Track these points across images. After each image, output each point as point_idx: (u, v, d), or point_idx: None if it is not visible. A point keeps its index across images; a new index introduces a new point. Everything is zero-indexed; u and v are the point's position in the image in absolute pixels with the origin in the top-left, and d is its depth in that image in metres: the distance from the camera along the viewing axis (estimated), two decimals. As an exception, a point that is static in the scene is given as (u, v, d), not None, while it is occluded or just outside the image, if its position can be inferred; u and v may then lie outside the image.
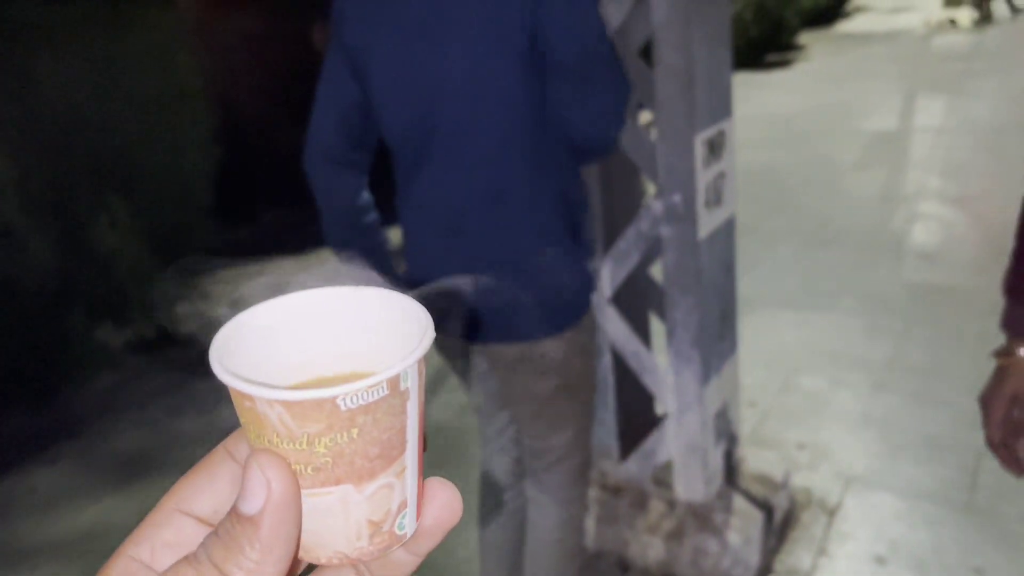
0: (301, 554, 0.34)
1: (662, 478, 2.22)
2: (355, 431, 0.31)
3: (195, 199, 3.63)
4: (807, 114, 7.61)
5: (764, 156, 6.17)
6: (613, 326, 2.10)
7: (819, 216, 4.91)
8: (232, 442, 0.35)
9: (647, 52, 1.87)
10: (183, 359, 3.63)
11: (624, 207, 2.10)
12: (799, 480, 2.49)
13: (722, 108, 1.95)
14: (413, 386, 0.33)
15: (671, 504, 2.18)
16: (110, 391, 3.65)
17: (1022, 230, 1.13)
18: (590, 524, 2.23)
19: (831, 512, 2.35)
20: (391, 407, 0.32)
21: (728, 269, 2.11)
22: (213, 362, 0.32)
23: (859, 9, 15.07)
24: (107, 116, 3.32)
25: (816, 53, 11.12)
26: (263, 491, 0.30)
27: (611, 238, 2.06)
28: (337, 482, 0.32)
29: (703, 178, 1.89)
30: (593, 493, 2.25)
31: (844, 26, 13.54)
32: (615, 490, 2.25)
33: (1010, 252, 1.16)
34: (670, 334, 2.01)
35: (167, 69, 3.71)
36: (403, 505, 0.34)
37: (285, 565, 0.31)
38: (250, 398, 0.31)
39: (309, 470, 0.32)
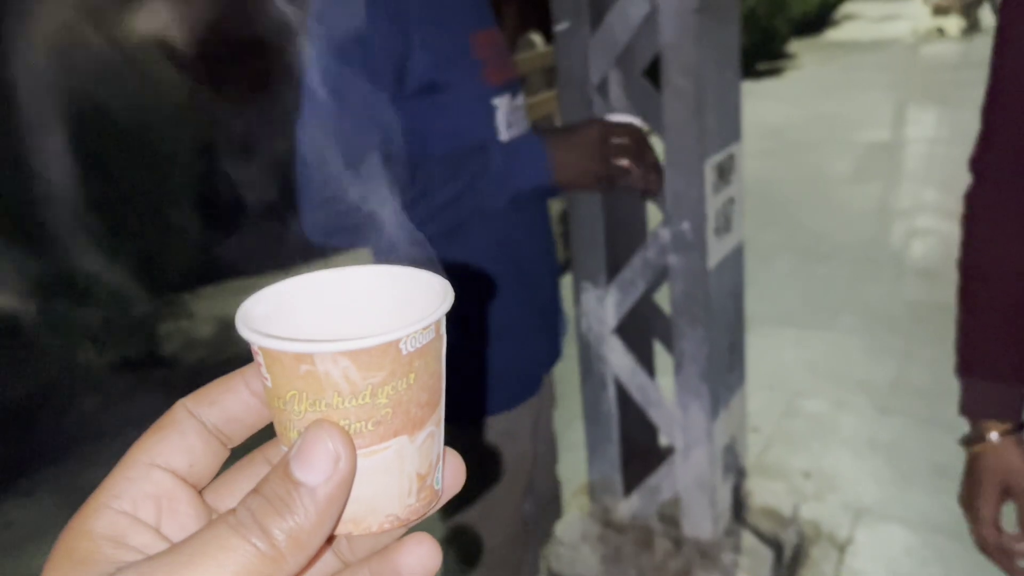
0: (350, 528, 0.33)
1: (668, 514, 2.13)
2: (412, 376, 0.32)
3: (176, 216, 3.53)
4: (800, 124, 7.57)
5: (758, 167, 6.11)
6: (617, 357, 2.01)
7: (815, 230, 4.85)
8: (192, 402, 0.35)
9: (654, 73, 1.79)
10: (169, 379, 3.52)
11: (629, 235, 2.01)
12: (807, 512, 2.41)
13: (732, 131, 1.87)
14: (443, 332, 0.34)
15: (677, 542, 2.08)
16: (92, 415, 3.53)
17: (964, 298, 1.01)
18: (593, 562, 2.14)
19: (841, 547, 2.27)
20: (436, 351, 0.33)
21: (737, 298, 2.02)
22: (251, 333, 0.32)
23: (847, 17, 15.09)
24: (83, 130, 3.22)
25: (806, 62, 11.10)
26: (329, 463, 0.30)
27: (615, 267, 1.98)
28: (395, 434, 0.32)
29: (713, 204, 1.80)
30: (596, 530, 2.16)
31: (833, 34, 13.55)
32: (619, 527, 2.15)
33: (955, 324, 1.02)
34: (678, 366, 1.93)
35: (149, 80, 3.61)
36: (439, 457, 0.35)
37: (326, 537, 0.31)
38: (309, 359, 0.31)
39: (369, 426, 0.32)
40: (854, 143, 6.70)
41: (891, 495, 2.47)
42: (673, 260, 1.84)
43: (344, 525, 0.33)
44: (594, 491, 2.18)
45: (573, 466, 2.35)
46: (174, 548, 0.29)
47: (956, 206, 1.11)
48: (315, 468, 0.30)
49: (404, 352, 0.31)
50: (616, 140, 1.32)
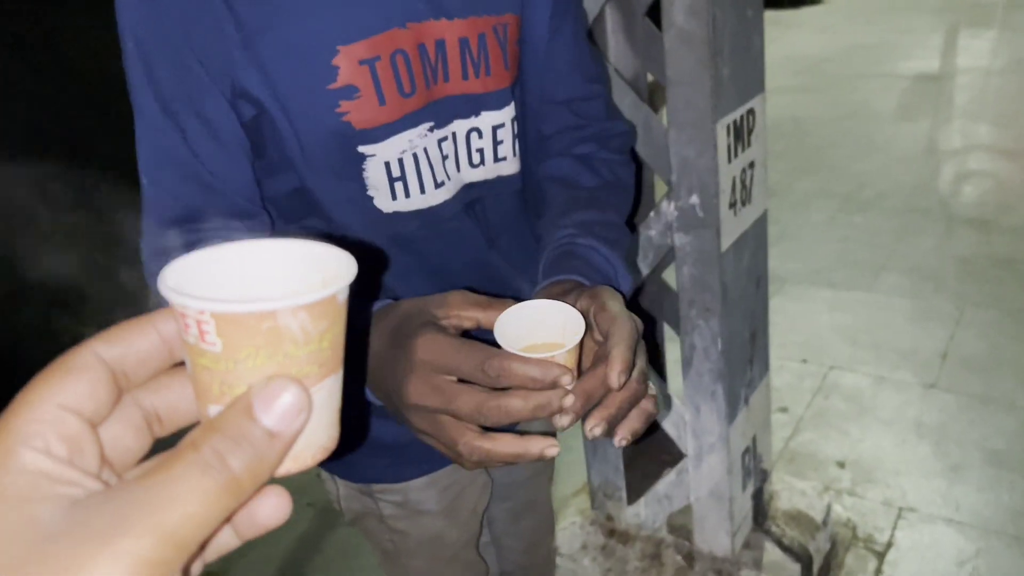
0: (290, 466, 0.37)
1: (679, 524, 1.87)
2: (341, 322, 0.38)
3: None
4: (839, 56, 7.06)
5: (792, 106, 5.68)
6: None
7: (856, 176, 4.46)
8: (102, 345, 0.35)
9: (656, 13, 1.46)
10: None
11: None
12: (841, 509, 2.13)
13: (752, 82, 1.54)
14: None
15: (689, 558, 1.83)
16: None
17: None
18: (595, 574, 1.89)
19: (880, 554, 1.99)
20: (348, 303, 0.39)
21: (759, 280, 1.72)
22: (204, 302, 0.34)
23: (893, -63, 14.21)
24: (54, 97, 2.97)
25: (848, -13, 10.44)
26: (295, 414, 0.34)
27: (614, 246, 1.68)
28: (330, 372, 0.38)
29: (727, 173, 1.49)
30: (598, 539, 1.91)
31: (878, -44, 12.75)
32: (623, 537, 1.90)
33: None
34: (687, 364, 1.64)
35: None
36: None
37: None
38: (272, 316, 0.35)
39: (316, 368, 0.37)
40: (899, 76, 6.20)
41: (939, 489, 2.18)
42: (680, 240, 1.54)
43: (285, 465, 0.36)
44: (595, 496, 1.92)
45: (571, 466, 2.08)
46: (141, 484, 0.30)
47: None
48: (283, 418, 0.34)
49: (340, 301, 0.38)
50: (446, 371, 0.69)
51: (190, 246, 0.83)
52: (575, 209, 0.93)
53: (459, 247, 0.96)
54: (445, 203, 0.91)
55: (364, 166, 0.85)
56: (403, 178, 0.88)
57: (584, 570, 1.91)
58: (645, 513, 1.87)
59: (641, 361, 0.69)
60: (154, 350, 0.37)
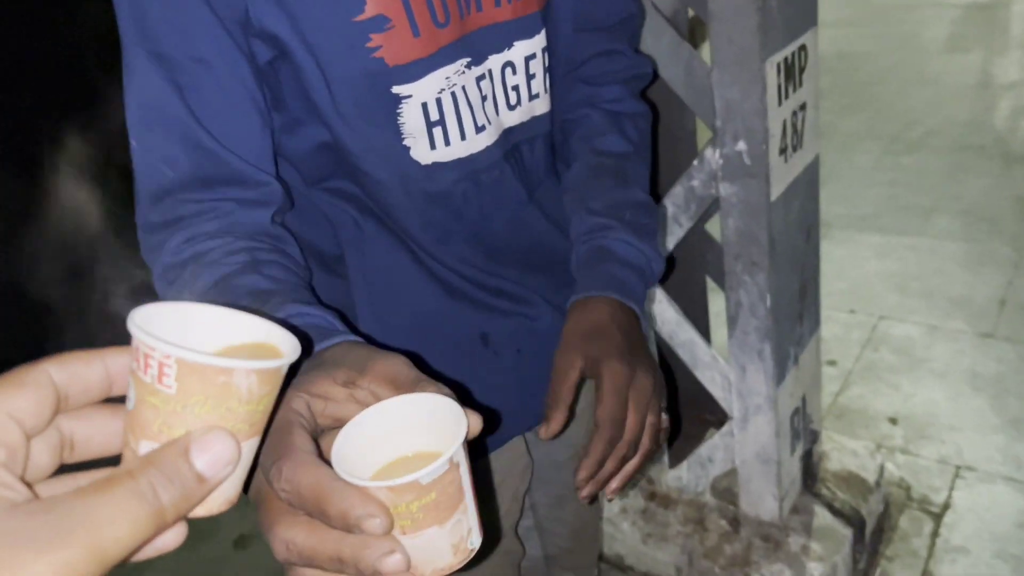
0: (200, 510, 0.39)
1: (724, 487, 1.78)
2: (276, 392, 0.42)
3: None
4: (886, -14, 6.73)
5: (836, 40, 5.43)
6: (659, 309, 1.62)
7: (904, 113, 4.24)
8: (55, 367, 0.37)
9: (697, -60, 1.33)
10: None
11: (671, 159, 1.59)
12: (894, 469, 2.03)
13: (804, 16, 1.41)
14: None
15: (735, 522, 1.75)
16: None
17: None
18: (635, 540, 1.82)
19: (937, 516, 1.90)
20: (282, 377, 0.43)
21: (810, 230, 1.60)
22: (176, 348, 0.37)
23: None
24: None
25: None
26: (228, 466, 0.37)
27: (653, 199, 1.57)
28: (256, 434, 0.42)
29: (777, 117, 1.37)
30: (638, 503, 1.84)
31: None
32: (664, 501, 1.82)
33: None
34: (732, 322, 1.54)
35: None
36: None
37: None
38: (230, 372, 0.38)
39: (247, 426, 0.40)
40: (950, 5, 5.89)
41: (998, 446, 2.07)
42: (725, 190, 1.42)
43: (198, 508, 0.38)
44: (635, 459, 1.84)
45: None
46: (80, 501, 0.32)
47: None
48: (214, 466, 0.37)
49: (282, 374, 0.42)
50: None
51: (184, 220, 0.72)
52: (604, 186, 0.92)
53: (499, 202, 0.87)
54: (486, 150, 0.83)
55: (400, 110, 0.76)
56: (442, 122, 0.78)
57: (623, 534, 1.84)
58: (687, 477, 1.78)
59: (640, 411, 0.77)
60: (98, 382, 0.39)
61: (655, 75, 1.13)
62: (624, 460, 0.77)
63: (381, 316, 0.87)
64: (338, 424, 0.49)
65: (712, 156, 1.41)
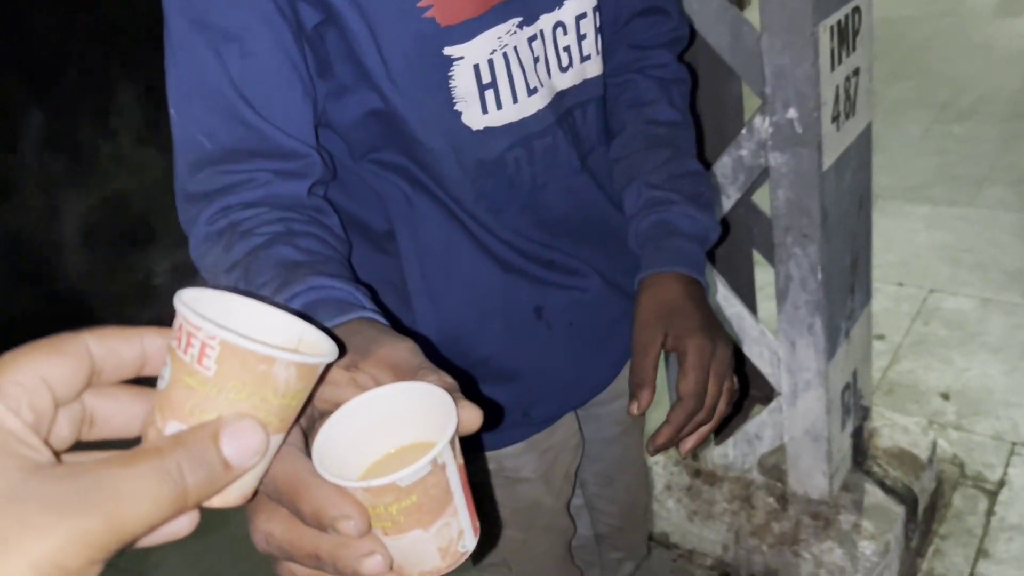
0: (217, 500, 0.38)
1: (771, 464, 1.75)
2: (310, 390, 0.41)
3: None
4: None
5: (883, 4, 5.27)
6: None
7: (954, 80, 4.11)
8: (94, 340, 0.36)
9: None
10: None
11: (716, 128, 1.55)
12: (946, 445, 1.98)
13: (858, -25, 1.35)
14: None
15: (783, 500, 1.71)
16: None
17: None
18: (680, 518, 1.80)
19: (991, 494, 1.85)
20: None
21: (863, 200, 1.55)
22: (224, 331, 0.37)
23: None
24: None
25: None
26: (256, 457, 0.37)
27: (698, 168, 1.53)
28: (283, 430, 0.41)
29: (830, 83, 1.32)
30: (683, 480, 1.81)
31: None
32: (710, 478, 1.79)
33: None
34: (782, 296, 1.50)
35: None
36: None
37: None
38: (271, 361, 0.38)
39: (277, 420, 0.39)
40: (1001, -33, 5.70)
41: (1055, 421, 2.01)
42: (775, 160, 1.38)
43: (217, 497, 0.38)
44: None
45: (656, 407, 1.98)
46: (105, 471, 0.31)
47: None
48: (243, 455, 0.36)
49: (318, 372, 0.41)
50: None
51: (221, 191, 0.70)
52: (659, 157, 0.91)
53: (552, 170, 0.85)
54: (539, 113, 0.81)
55: (451, 72, 0.74)
56: (494, 84, 0.76)
57: (669, 512, 1.82)
58: (733, 453, 1.75)
59: (720, 380, 0.80)
60: (132, 360, 0.39)
61: (692, 37, 1.11)
62: (700, 424, 0.80)
63: (433, 293, 0.85)
64: (336, 409, 0.46)
65: (761, 124, 1.37)
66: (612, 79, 0.95)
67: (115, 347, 0.38)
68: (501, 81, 0.76)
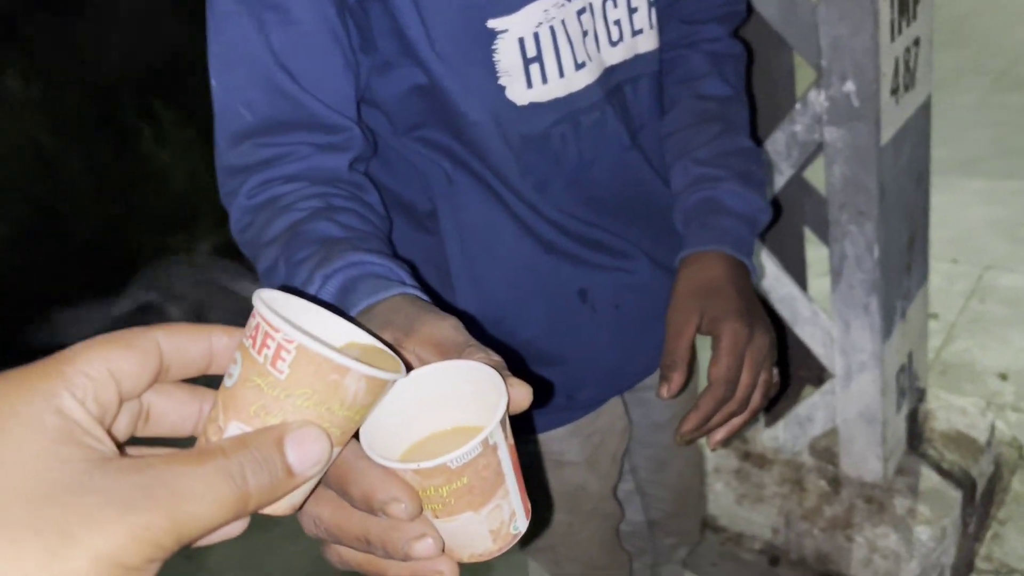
0: (270, 508, 0.37)
1: (823, 447, 1.71)
2: (373, 406, 0.41)
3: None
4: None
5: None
6: (756, 262, 1.54)
7: (1010, 48, 3.97)
8: (163, 335, 0.36)
9: None
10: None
11: (768, 103, 1.50)
12: (1004, 427, 1.92)
13: (920, -60, 1.29)
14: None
15: (835, 483, 1.68)
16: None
17: None
18: (728, 499, 1.77)
19: (1052, 477, 1.79)
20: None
21: (920, 177, 1.50)
22: (304, 336, 0.36)
23: None
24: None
25: None
26: (318, 466, 0.36)
27: (750, 144, 1.48)
28: (341, 443, 0.39)
29: (889, 54, 1.27)
30: (731, 463, 1.78)
31: None
32: (759, 461, 1.76)
33: None
34: (836, 275, 1.45)
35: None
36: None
37: None
38: (345, 371, 0.37)
39: (339, 433, 0.38)
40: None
41: (1119, 402, 1.94)
42: (831, 135, 1.33)
43: (281, 508, 0.38)
44: (729, 417, 1.78)
45: (700, 386, 1.95)
46: (169, 469, 0.31)
47: None
48: (306, 463, 0.36)
49: (387, 388, 0.40)
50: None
51: (261, 165, 0.67)
52: (709, 133, 0.87)
53: (600, 146, 0.82)
54: (586, 89, 0.78)
55: (495, 46, 0.71)
56: (539, 58, 0.73)
57: (717, 495, 1.79)
58: (784, 436, 1.72)
59: (755, 370, 0.75)
60: (199, 359, 0.38)
61: (750, 12, 1.06)
62: (732, 415, 0.75)
63: (475, 273, 0.84)
64: None
65: (816, 98, 1.32)
66: (664, 55, 0.92)
67: (184, 344, 0.37)
68: (547, 55, 0.74)
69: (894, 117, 1.32)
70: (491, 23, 0.70)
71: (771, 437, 1.74)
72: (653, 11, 0.81)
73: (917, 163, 1.47)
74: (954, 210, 2.80)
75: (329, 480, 0.41)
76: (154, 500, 0.30)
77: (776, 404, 1.76)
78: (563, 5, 0.73)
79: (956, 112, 3.48)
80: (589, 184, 0.83)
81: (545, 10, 0.72)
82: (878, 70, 1.24)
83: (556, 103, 0.77)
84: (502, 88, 0.74)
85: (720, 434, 0.76)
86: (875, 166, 1.32)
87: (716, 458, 1.80)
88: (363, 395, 0.38)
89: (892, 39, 1.26)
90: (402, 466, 0.38)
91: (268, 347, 0.36)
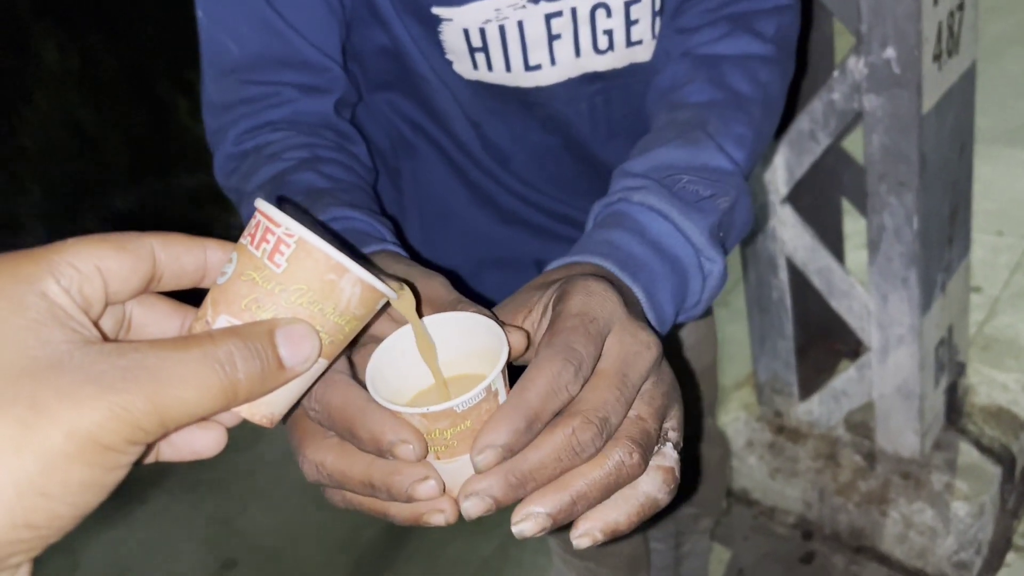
0: (246, 410, 0.37)
1: (858, 421, 1.69)
2: (365, 322, 0.41)
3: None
4: None
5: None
6: (792, 233, 1.52)
7: (1062, 12, 3.84)
8: (159, 243, 0.36)
9: None
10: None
11: (806, 71, 1.46)
12: (1047, 403, 1.88)
13: (967, -101, 1.25)
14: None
15: (870, 458, 1.66)
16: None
17: None
18: (762, 475, 1.76)
19: (1096, 455, 1.75)
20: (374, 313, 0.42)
21: (963, 147, 1.46)
22: (299, 227, 0.36)
23: None
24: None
25: None
26: (308, 362, 0.36)
27: (787, 114, 1.45)
28: (329, 355, 0.40)
29: (932, 18, 1.23)
30: (766, 436, 1.77)
31: None
32: (793, 435, 1.74)
33: None
34: (874, 247, 1.42)
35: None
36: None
37: None
38: (342, 271, 0.37)
39: (327, 340, 0.38)
40: None
41: None
42: (870, 103, 1.30)
43: (246, 407, 0.37)
44: (762, 391, 1.76)
45: (732, 356, 1.93)
46: (153, 352, 0.31)
47: None
48: (297, 359, 0.35)
49: (378, 306, 0.40)
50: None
51: (246, 105, 0.67)
52: (658, 142, 0.63)
53: (562, 138, 0.79)
54: (548, 88, 0.73)
55: (440, 29, 0.70)
56: (485, 50, 0.70)
57: (749, 469, 1.78)
58: (819, 410, 1.70)
59: (647, 421, 0.41)
60: (193, 270, 0.38)
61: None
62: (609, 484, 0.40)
63: (431, 238, 0.85)
64: (372, 340, 0.45)
65: (855, 65, 1.29)
66: (656, 74, 0.77)
67: (179, 253, 0.37)
68: (494, 50, 0.70)
69: (936, 84, 1.28)
70: (435, 10, 0.68)
71: (806, 411, 1.72)
72: (657, 21, 0.73)
73: (960, 132, 1.43)
74: (1000, 181, 2.73)
75: (335, 423, 0.41)
76: (136, 382, 0.29)
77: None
78: (523, 7, 0.68)
79: (1003, 80, 3.38)
80: (552, 164, 0.81)
81: (497, 9, 0.67)
82: (920, 35, 1.21)
83: (504, 90, 0.74)
84: (449, 63, 0.72)
85: (529, 525, 0.39)
86: (916, 135, 1.28)
87: (749, 432, 1.79)
88: (356, 303, 0.38)
89: (935, 2, 1.22)
90: (411, 410, 0.39)
91: (267, 241, 0.36)
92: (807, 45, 1.49)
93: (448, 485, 0.41)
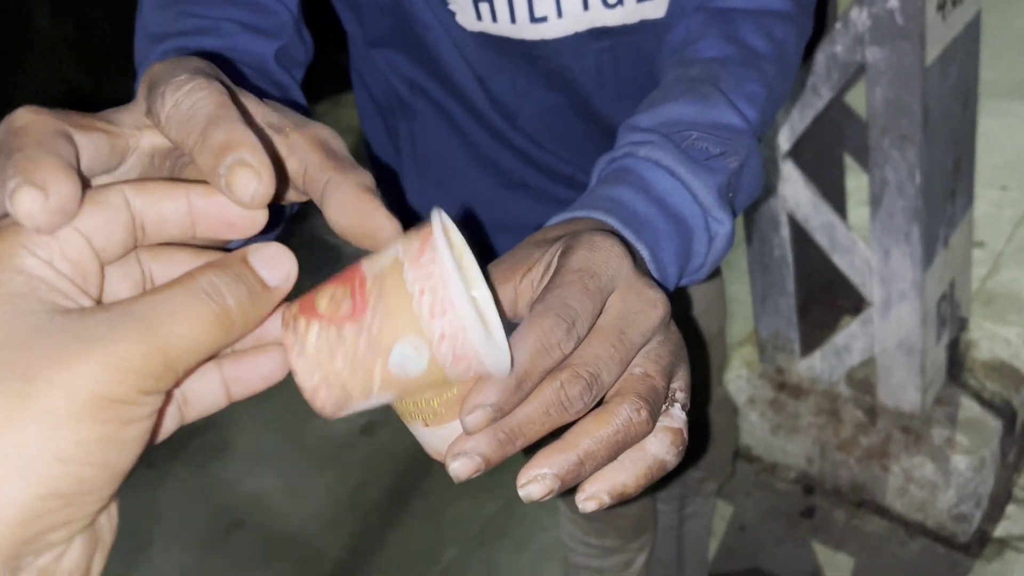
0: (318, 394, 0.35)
1: (859, 377, 1.69)
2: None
3: None
4: None
5: None
6: (793, 189, 1.51)
7: (1070, -38, 3.78)
8: (132, 192, 0.33)
9: None
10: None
11: (824, 32, 1.44)
12: (1049, 358, 1.88)
13: None
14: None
15: (871, 413, 1.66)
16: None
17: None
18: (763, 429, 1.77)
19: (1098, 408, 1.75)
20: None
21: (968, 98, 1.44)
22: None
23: None
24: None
25: None
26: (289, 280, 0.34)
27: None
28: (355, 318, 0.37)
29: (937, -33, 1.21)
30: (767, 393, 1.77)
31: None
32: (795, 391, 1.75)
33: None
34: (876, 201, 1.41)
35: None
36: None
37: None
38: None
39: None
40: None
41: None
42: (873, 55, 1.28)
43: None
44: (764, 348, 1.77)
45: (734, 314, 1.93)
46: (134, 301, 0.30)
47: None
48: (279, 277, 0.34)
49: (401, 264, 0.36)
50: None
51: (184, 35, 0.63)
52: (666, 97, 0.60)
53: (570, 95, 0.77)
54: (554, 42, 0.71)
55: None
56: (489, 0, 0.68)
57: (751, 426, 1.79)
58: (820, 366, 1.70)
59: (654, 378, 0.39)
60: (177, 218, 0.35)
61: None
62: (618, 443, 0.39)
63: (430, 202, 0.83)
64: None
65: (858, 17, 1.27)
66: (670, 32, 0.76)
67: (156, 200, 0.34)
68: (499, 1, 0.68)
69: (940, 35, 1.27)
70: None
71: (807, 367, 1.72)
72: None
73: (964, 85, 1.41)
74: (1005, 135, 2.70)
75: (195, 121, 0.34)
76: (124, 328, 0.29)
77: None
78: None
79: (1010, 33, 3.33)
80: (560, 123, 0.79)
81: None
82: (924, -16, 1.19)
83: (508, 42, 0.71)
84: (452, 13, 0.70)
85: (537, 488, 0.37)
86: (919, 87, 1.27)
87: (751, 389, 1.79)
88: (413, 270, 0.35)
89: (940, -49, 1.20)
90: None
91: (427, 295, 0.33)
92: (825, 7, 1.46)
93: (440, 451, 0.40)
